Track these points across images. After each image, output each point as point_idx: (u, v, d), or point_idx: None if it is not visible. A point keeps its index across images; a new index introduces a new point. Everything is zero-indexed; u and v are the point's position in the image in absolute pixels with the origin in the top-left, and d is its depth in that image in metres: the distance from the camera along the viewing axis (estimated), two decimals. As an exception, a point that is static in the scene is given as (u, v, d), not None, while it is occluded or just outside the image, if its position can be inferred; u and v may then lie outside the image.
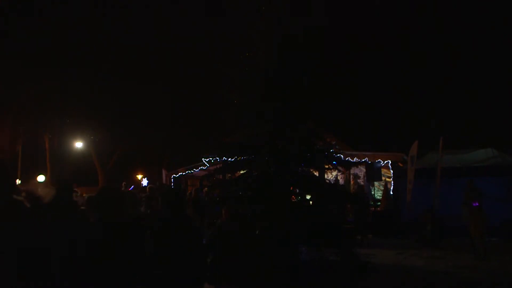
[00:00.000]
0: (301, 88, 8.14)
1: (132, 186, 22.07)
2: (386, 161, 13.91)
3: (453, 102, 28.52)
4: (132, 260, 3.07)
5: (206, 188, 11.90)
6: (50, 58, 21.16)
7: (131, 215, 4.09)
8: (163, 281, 3.21)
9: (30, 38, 20.91)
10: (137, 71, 23.73)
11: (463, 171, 11.74)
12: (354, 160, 11.38)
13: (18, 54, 20.65)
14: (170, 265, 3.23)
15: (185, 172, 17.73)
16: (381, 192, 15.53)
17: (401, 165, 13.83)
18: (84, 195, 11.98)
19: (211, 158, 8.39)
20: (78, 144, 24.82)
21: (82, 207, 5.80)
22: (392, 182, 14.37)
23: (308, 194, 8.38)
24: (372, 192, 15.31)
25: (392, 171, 14.21)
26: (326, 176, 13.05)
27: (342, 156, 8.43)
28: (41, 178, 22.38)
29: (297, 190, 8.13)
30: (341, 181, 15.85)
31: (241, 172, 8.69)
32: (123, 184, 16.21)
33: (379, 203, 14.74)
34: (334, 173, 16.00)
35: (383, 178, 15.21)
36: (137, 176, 32.85)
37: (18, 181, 21.61)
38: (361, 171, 15.65)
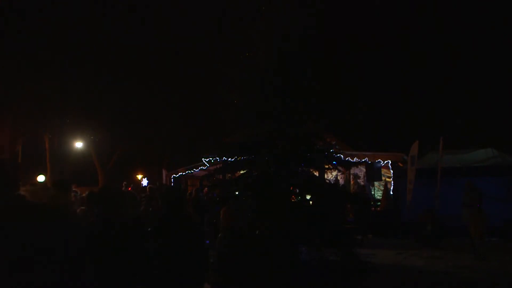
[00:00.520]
0: (301, 88, 8.14)
1: (131, 185, 22.07)
2: (386, 161, 13.91)
3: (453, 102, 28.53)
4: (132, 260, 3.07)
5: (206, 188, 11.92)
6: (50, 58, 21.16)
7: (131, 214, 4.09)
8: (163, 281, 3.21)
9: (30, 38, 20.90)
10: (137, 71, 23.74)
11: (463, 171, 11.74)
12: (354, 160, 11.38)
13: (18, 54, 20.65)
14: (171, 265, 3.23)
15: (185, 172, 17.73)
16: (381, 192, 15.53)
17: (401, 165, 13.83)
18: (84, 195, 11.97)
19: (211, 158, 8.39)
20: (78, 144, 24.79)
21: (82, 207, 5.80)
22: (392, 182, 14.37)
23: (308, 194, 8.37)
24: (372, 192, 15.31)
25: (392, 171, 14.21)
26: (326, 176, 13.04)
27: (342, 156, 8.43)
28: (41, 178, 22.39)
29: (297, 190, 8.13)
30: (341, 181, 15.85)
31: (241, 172, 8.70)
32: (123, 184, 16.20)
33: (379, 203, 14.74)
34: (334, 173, 16.02)
35: (383, 178, 15.20)
36: (137, 176, 32.85)
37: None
38: (361, 171, 15.65)
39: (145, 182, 29.21)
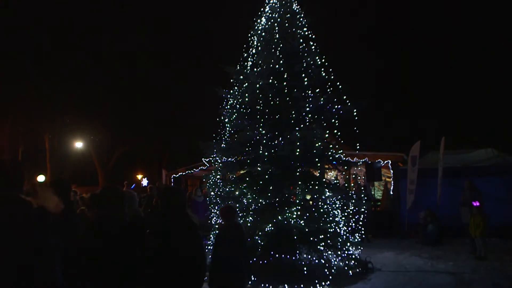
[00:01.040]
0: (301, 88, 8.15)
1: (133, 185, 22.08)
2: (386, 161, 13.89)
3: (454, 102, 28.53)
4: (132, 259, 3.07)
5: (205, 188, 11.90)
6: (50, 58, 21.16)
7: (132, 214, 4.09)
8: (162, 281, 3.21)
9: (30, 37, 20.90)
10: (137, 71, 23.74)
11: (463, 171, 11.74)
12: (354, 160, 11.35)
13: (18, 54, 20.65)
14: (170, 265, 3.23)
15: (185, 172, 17.72)
16: (381, 192, 15.52)
17: (401, 165, 13.82)
18: (84, 195, 11.97)
19: (211, 158, 8.39)
20: (78, 144, 24.79)
21: (82, 207, 5.80)
22: (392, 182, 14.36)
23: (308, 194, 8.37)
24: (372, 192, 15.30)
25: (392, 171, 14.20)
26: (326, 176, 13.04)
27: (342, 156, 8.43)
28: (41, 178, 22.39)
29: (297, 190, 8.13)
30: (341, 181, 15.84)
31: (241, 172, 8.70)
32: (124, 184, 16.21)
33: (379, 203, 14.73)
34: (334, 173, 16.00)
35: (383, 178, 15.19)
36: (137, 176, 32.86)
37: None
38: (361, 171, 15.64)
39: (145, 182, 29.22)
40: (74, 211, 4.62)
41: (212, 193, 8.21)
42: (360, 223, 8.53)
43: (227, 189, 8.01)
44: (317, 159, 7.97)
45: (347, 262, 7.66)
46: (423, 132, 22.49)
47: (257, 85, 8.13)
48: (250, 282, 6.65)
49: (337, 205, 8.00)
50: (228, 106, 8.33)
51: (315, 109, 8.09)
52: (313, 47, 8.41)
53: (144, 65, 23.78)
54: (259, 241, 7.30)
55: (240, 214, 7.59)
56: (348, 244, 7.78)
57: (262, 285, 6.72)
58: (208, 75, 20.78)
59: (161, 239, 3.26)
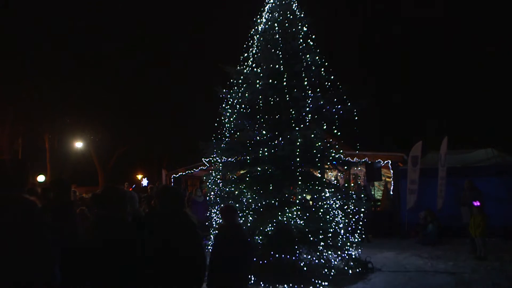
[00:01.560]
0: (301, 88, 8.15)
1: (134, 186, 22.09)
2: (386, 161, 13.89)
3: (454, 102, 28.53)
4: (133, 259, 3.07)
5: (205, 188, 11.90)
6: (50, 57, 21.15)
7: (132, 214, 4.09)
8: (162, 281, 3.21)
9: (30, 37, 20.89)
10: (136, 71, 23.74)
11: (463, 171, 11.73)
12: (354, 160, 11.35)
13: (18, 54, 20.64)
14: (169, 265, 3.23)
15: (185, 172, 17.73)
16: (381, 192, 15.52)
17: (401, 165, 13.82)
18: (84, 195, 11.98)
19: (211, 158, 8.39)
20: (78, 144, 24.79)
21: (83, 207, 5.81)
22: (392, 182, 14.36)
23: (308, 194, 8.37)
24: (372, 192, 15.30)
25: (392, 171, 14.20)
26: (326, 176, 13.04)
27: (342, 156, 8.43)
28: (41, 178, 22.40)
29: (297, 190, 8.13)
30: (341, 181, 15.84)
31: (241, 172, 8.70)
32: (125, 185, 16.22)
33: (379, 203, 14.74)
34: (334, 173, 16.00)
35: (383, 178, 15.19)
36: (137, 176, 32.87)
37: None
38: (361, 171, 15.63)
39: (145, 182, 29.22)
40: (74, 211, 4.62)
41: (212, 193, 8.21)
42: (360, 223, 8.53)
43: (227, 189, 8.01)
44: (317, 159, 7.96)
45: (347, 262, 7.66)
46: (423, 132, 22.51)
47: (257, 85, 8.12)
48: (250, 282, 6.65)
49: (337, 205, 8.00)
50: (228, 106, 8.33)
51: (315, 109, 8.09)
52: (313, 47, 8.41)
53: (144, 65, 23.77)
54: (259, 241, 7.31)
55: (240, 214, 7.59)
56: (348, 244, 7.77)
57: (262, 285, 6.72)
58: (208, 75, 20.78)
59: (161, 239, 3.26)
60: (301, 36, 8.46)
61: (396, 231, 12.64)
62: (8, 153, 21.83)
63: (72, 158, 25.29)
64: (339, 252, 7.68)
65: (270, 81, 8.09)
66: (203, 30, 27.03)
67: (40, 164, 23.56)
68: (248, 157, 8.04)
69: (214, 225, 7.95)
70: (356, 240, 8.11)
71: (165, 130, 25.80)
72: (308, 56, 8.28)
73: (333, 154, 8.20)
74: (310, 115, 8.04)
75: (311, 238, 7.27)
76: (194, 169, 17.16)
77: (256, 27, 8.60)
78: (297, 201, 8.13)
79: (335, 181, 14.90)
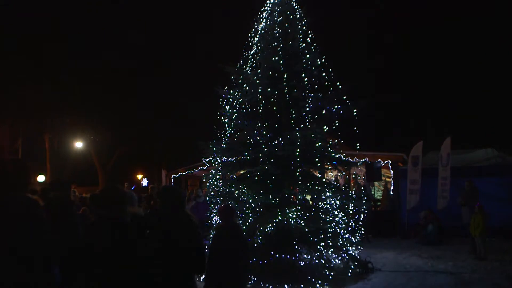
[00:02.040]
0: (301, 88, 8.15)
1: (134, 186, 22.10)
2: (386, 161, 13.90)
3: (454, 102, 28.53)
4: (133, 259, 3.07)
5: (205, 188, 11.89)
6: (50, 57, 21.16)
7: (132, 214, 4.09)
8: (161, 280, 3.22)
9: (30, 37, 20.90)
10: (136, 71, 23.75)
11: (463, 171, 11.73)
12: (354, 160, 11.35)
13: (18, 54, 20.64)
14: (171, 263, 3.23)
15: (185, 172, 17.73)
16: (381, 192, 15.53)
17: (401, 165, 13.83)
18: (84, 195, 11.97)
19: (211, 158, 8.39)
20: (78, 144, 24.79)
21: (85, 208, 5.80)
22: (392, 182, 14.36)
23: (308, 194, 8.37)
24: (372, 192, 15.30)
25: (392, 171, 14.20)
26: (326, 176, 13.04)
27: (342, 156, 8.43)
28: (41, 178, 22.38)
29: (297, 190, 8.13)
30: (341, 181, 15.83)
31: (241, 172, 8.70)
32: (125, 185, 16.21)
33: (379, 203, 14.74)
34: (334, 173, 16.00)
35: (383, 178, 15.19)
36: (137, 176, 32.85)
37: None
38: (361, 171, 15.63)
39: (145, 182, 29.21)
40: (74, 211, 4.63)
41: (212, 193, 8.21)
42: (360, 223, 8.53)
43: (227, 189, 8.01)
44: (317, 159, 7.97)
45: (347, 262, 7.66)
46: (423, 132, 22.49)
47: (257, 85, 8.12)
48: (250, 282, 6.65)
49: (337, 205, 8.00)
50: (228, 106, 8.33)
51: (315, 109, 8.09)
52: (313, 47, 8.41)
53: (144, 65, 23.78)
54: (259, 241, 7.30)
55: (240, 214, 7.59)
56: (348, 244, 7.78)
57: (262, 285, 6.71)
58: (208, 75, 20.77)
59: (161, 238, 3.26)
60: (301, 36, 8.46)
61: (396, 231, 12.65)
62: (8, 153, 21.84)
63: (72, 158, 25.29)
64: (339, 252, 7.68)
65: (270, 81, 8.09)
66: (203, 30, 27.05)
67: (40, 164, 23.57)
68: (248, 157, 8.04)
69: (214, 225, 7.95)
70: (356, 240, 8.11)
71: (165, 130, 25.80)
72: (308, 56, 8.28)
73: (333, 154, 8.20)
74: (310, 115, 8.04)
75: (311, 238, 7.27)
76: (194, 169, 17.17)
77: (256, 27, 8.60)
78: (297, 201, 8.13)
79: (335, 181, 14.90)
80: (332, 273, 7.12)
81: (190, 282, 3.37)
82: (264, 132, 7.99)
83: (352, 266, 7.62)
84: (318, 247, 7.34)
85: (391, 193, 14.10)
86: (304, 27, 8.50)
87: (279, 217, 7.28)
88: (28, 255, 2.54)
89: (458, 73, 28.80)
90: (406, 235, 12.16)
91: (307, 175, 8.10)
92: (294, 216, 7.29)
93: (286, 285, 6.65)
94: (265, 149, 7.75)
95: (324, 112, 8.19)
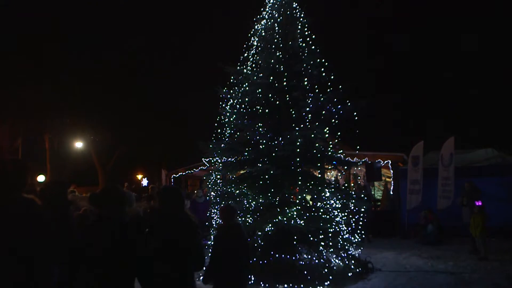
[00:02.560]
0: (301, 88, 8.15)
1: (133, 186, 22.10)
2: (386, 161, 13.90)
3: (454, 102, 28.53)
4: (133, 259, 3.07)
5: (206, 188, 11.90)
6: (50, 57, 21.15)
7: (131, 214, 4.09)
8: (161, 280, 3.22)
9: (30, 37, 20.89)
10: (137, 71, 23.73)
11: (463, 171, 11.74)
12: (354, 160, 11.35)
13: (18, 54, 20.64)
14: (169, 265, 3.23)
15: (185, 172, 17.73)
16: (381, 192, 15.52)
17: (401, 165, 13.83)
18: (84, 195, 11.96)
19: (211, 158, 8.39)
20: (78, 144, 24.77)
21: (85, 208, 5.80)
22: (392, 182, 14.36)
23: (308, 194, 8.37)
24: (372, 192, 15.31)
25: (392, 171, 14.21)
26: (326, 176, 13.03)
27: (342, 156, 8.43)
28: (41, 178, 22.37)
29: (297, 190, 8.13)
30: (341, 181, 15.84)
31: (241, 172, 8.70)
32: (125, 185, 16.21)
33: (379, 203, 14.74)
34: (334, 173, 15.99)
35: (383, 178, 15.19)
36: (137, 176, 32.85)
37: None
38: (361, 171, 15.64)
39: (145, 182, 29.19)
40: (71, 211, 4.63)
41: (212, 193, 8.21)
42: (360, 223, 8.53)
43: (227, 189, 8.01)
44: (317, 159, 7.97)
45: (347, 262, 7.66)
46: (423, 132, 22.50)
47: (257, 85, 8.12)
48: (250, 282, 6.65)
49: (337, 205, 8.00)
50: (228, 106, 8.33)
51: (315, 109, 8.08)
52: (313, 47, 8.40)
53: (144, 65, 23.76)
54: (259, 241, 7.30)
55: (240, 214, 7.59)
56: (348, 244, 7.77)
57: (262, 285, 6.71)
58: (208, 75, 20.78)
59: (161, 238, 3.26)
60: (301, 36, 8.45)
61: (396, 231, 12.65)
62: (8, 153, 21.83)
63: (72, 158, 25.27)
64: (339, 252, 7.68)
65: (270, 81, 8.09)
66: (203, 30, 27.04)
67: (40, 164, 23.55)
68: (248, 157, 8.04)
69: (214, 225, 7.95)
70: (356, 240, 8.11)
71: (165, 130, 25.79)
72: (308, 56, 8.28)
73: (333, 154, 8.20)
74: (310, 115, 8.04)
75: (311, 238, 7.27)
76: (194, 169, 17.17)
77: (256, 27, 8.60)
78: (297, 201, 8.13)
79: (335, 181, 14.90)
80: (332, 273, 7.12)
81: (189, 281, 3.37)
82: (264, 132, 7.99)
83: (352, 266, 7.62)
84: (318, 247, 7.34)
85: (391, 193, 14.10)
86: (304, 27, 8.50)
87: (279, 217, 7.28)
88: (28, 255, 2.54)
89: (458, 73, 28.79)
90: (406, 235, 12.16)
91: (307, 175, 8.10)
92: (294, 216, 7.29)
93: (286, 285, 6.64)
94: (265, 149, 7.75)
95: (324, 112, 8.18)
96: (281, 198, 7.74)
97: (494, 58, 28.36)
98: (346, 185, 15.15)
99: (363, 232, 8.62)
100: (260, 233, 7.39)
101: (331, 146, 8.25)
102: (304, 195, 8.43)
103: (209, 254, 4.47)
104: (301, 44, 8.41)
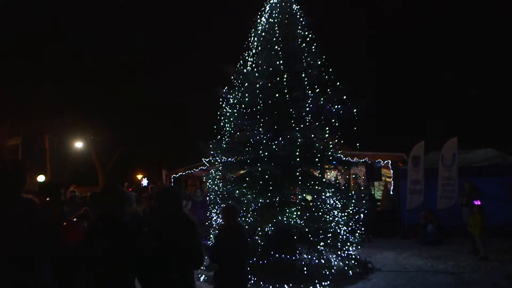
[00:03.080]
0: (301, 88, 8.15)
1: (133, 186, 22.11)
2: (386, 161, 13.90)
3: (453, 102, 28.52)
4: (132, 258, 3.07)
5: (206, 188, 11.88)
6: (50, 57, 21.15)
7: (131, 214, 4.09)
8: (160, 279, 3.22)
9: (30, 37, 20.89)
10: (137, 71, 23.72)
11: (463, 171, 11.74)
12: (354, 160, 11.35)
13: (18, 54, 20.63)
14: (167, 264, 3.24)
15: (185, 172, 17.73)
16: (381, 192, 15.52)
17: (401, 165, 13.83)
18: (84, 195, 11.94)
19: (211, 158, 8.39)
20: (78, 144, 24.77)
21: (86, 208, 5.80)
22: (392, 182, 14.36)
23: (308, 194, 8.37)
24: (372, 192, 15.31)
25: (392, 171, 14.21)
26: (326, 176, 13.03)
27: (342, 156, 8.43)
28: (41, 178, 22.37)
29: (297, 190, 8.13)
30: (341, 181, 15.84)
31: (241, 172, 8.70)
32: (125, 185, 16.22)
33: (379, 203, 14.73)
34: (334, 173, 15.98)
35: (383, 178, 15.19)
36: (137, 176, 32.85)
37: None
38: (361, 171, 15.64)
39: (145, 182, 29.18)
40: (65, 211, 4.65)
41: (212, 193, 8.21)
42: (360, 223, 8.53)
43: (227, 189, 8.01)
44: (317, 159, 7.97)
45: (347, 262, 7.66)
46: (423, 132, 22.49)
47: (257, 85, 8.12)
48: (250, 282, 6.65)
49: (337, 205, 8.00)
50: (228, 106, 8.33)
51: (315, 109, 8.09)
52: (313, 47, 8.41)
53: (144, 65, 23.75)
54: (259, 241, 7.30)
55: (240, 214, 7.59)
56: (348, 244, 7.78)
57: (262, 285, 6.72)
58: (208, 75, 20.76)
59: (159, 237, 3.27)
60: (301, 36, 8.46)
61: (396, 231, 12.65)
62: (8, 153, 21.83)
63: (72, 158, 25.27)
64: (339, 252, 7.68)
65: (270, 81, 8.09)
66: (203, 30, 27.04)
67: (40, 164, 23.55)
68: (248, 157, 8.04)
69: (214, 225, 7.95)
70: (356, 240, 8.11)
71: (165, 130, 25.78)
72: (308, 56, 8.28)
73: (333, 154, 8.20)
74: (310, 115, 8.04)
75: (311, 238, 7.27)
76: (194, 169, 17.17)
77: (256, 27, 8.60)
78: (297, 201, 8.13)
79: (335, 181, 14.89)
80: (332, 273, 7.12)
81: (189, 281, 3.38)
82: (264, 132, 7.99)
83: (352, 266, 7.62)
84: (318, 247, 7.34)
85: (391, 193, 14.10)
86: (304, 27, 8.50)
87: (279, 217, 7.28)
88: (28, 255, 2.54)
89: (458, 73, 28.78)
90: (406, 235, 12.16)
91: (307, 175, 8.10)
92: (294, 216, 7.29)
93: (286, 285, 6.65)
94: (265, 149, 7.75)
95: (324, 112, 8.19)
96: (281, 198, 7.74)
97: (494, 58, 28.36)
98: (346, 185, 15.17)
99: (363, 232, 8.62)
100: (260, 233, 7.39)
101: (331, 146, 8.25)
102: (304, 195, 8.43)
103: (210, 255, 4.48)
104: (301, 44, 8.41)
